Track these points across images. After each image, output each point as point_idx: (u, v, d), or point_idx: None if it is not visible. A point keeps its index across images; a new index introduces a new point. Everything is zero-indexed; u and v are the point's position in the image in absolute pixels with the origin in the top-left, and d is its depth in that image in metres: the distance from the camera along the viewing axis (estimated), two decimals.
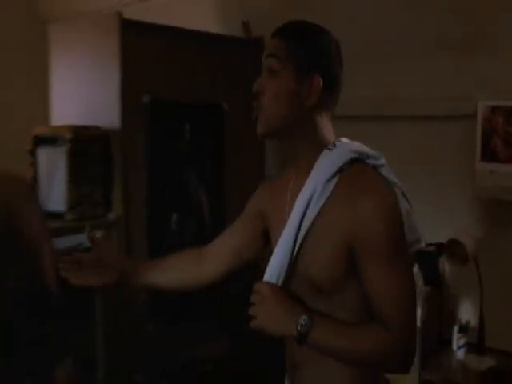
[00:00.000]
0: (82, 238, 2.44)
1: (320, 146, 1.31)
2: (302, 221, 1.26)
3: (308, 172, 1.30)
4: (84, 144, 2.51)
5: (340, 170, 1.26)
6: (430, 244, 2.79)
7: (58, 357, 1.57)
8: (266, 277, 1.31)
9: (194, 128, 2.83)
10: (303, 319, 1.22)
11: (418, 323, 2.54)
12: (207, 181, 2.91)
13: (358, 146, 1.33)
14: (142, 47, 2.64)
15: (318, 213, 1.25)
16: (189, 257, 1.56)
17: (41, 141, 2.57)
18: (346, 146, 1.31)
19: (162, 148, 2.71)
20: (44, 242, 1.54)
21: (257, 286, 1.29)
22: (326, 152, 1.29)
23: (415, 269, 2.60)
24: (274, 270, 1.30)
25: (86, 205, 2.47)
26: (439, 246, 2.74)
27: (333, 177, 1.26)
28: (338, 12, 2.97)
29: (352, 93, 2.88)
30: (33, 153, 2.58)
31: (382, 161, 1.31)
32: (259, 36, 3.11)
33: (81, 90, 2.76)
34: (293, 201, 1.31)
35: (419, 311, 2.57)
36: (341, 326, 1.24)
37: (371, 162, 1.29)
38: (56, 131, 2.55)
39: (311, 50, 1.28)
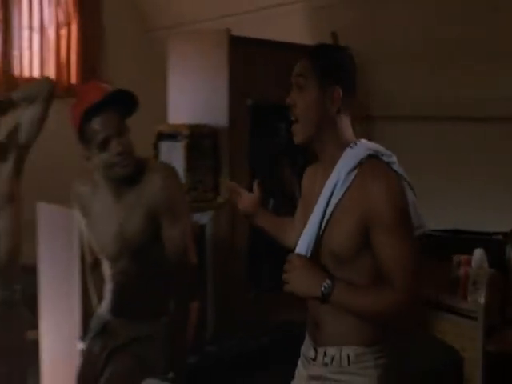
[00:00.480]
0: (196, 217, 2.95)
1: (343, 145, 1.57)
2: (327, 205, 1.55)
3: (333, 166, 1.56)
4: (198, 139, 3.02)
5: (359, 164, 1.53)
6: (498, 233, 3.12)
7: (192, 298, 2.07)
8: (297, 249, 1.57)
9: (288, 127, 3.27)
10: (326, 283, 1.48)
11: (482, 302, 2.88)
12: (299, 172, 3.34)
13: (375, 145, 1.61)
14: (246, 58, 3.10)
15: (340, 198, 1.54)
16: (290, 224, 1.97)
17: (163, 136, 3.10)
18: (365, 145, 1.58)
19: (262, 143, 3.18)
20: (185, 213, 2.03)
21: (289, 257, 1.55)
22: (348, 150, 1.56)
23: (481, 252, 2.94)
24: (303, 245, 1.57)
25: (200, 190, 2.98)
26: (505, 234, 3.06)
27: (353, 169, 1.53)
28: (420, 17, 3.32)
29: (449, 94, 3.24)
30: (156, 146, 3.11)
31: (394, 158, 1.60)
32: (345, 45, 3.51)
33: (194, 94, 3.26)
34: (319, 190, 1.59)
35: (484, 291, 2.90)
36: (357, 288, 1.52)
37: (385, 158, 1.57)
38: (175, 128, 3.06)
39: (331, 68, 1.57)
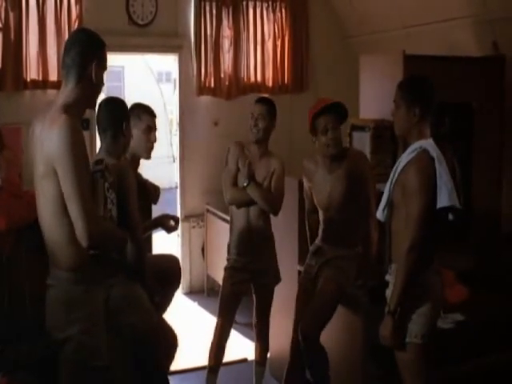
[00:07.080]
0: (378, 186, 4.13)
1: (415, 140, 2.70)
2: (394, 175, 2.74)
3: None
4: (381, 130, 4.18)
5: (414, 152, 2.63)
6: None
7: None
8: None
9: (451, 119, 4.31)
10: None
11: None
12: (460, 154, 4.37)
13: (429, 146, 2.64)
14: (417, 70, 4.10)
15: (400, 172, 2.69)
16: None
17: (355, 127, 4.31)
18: (424, 143, 2.64)
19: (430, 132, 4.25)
20: (372, 180, 3.25)
21: None
22: (416, 143, 2.67)
23: None
24: None
25: (381, 167, 4.15)
26: None
27: (410, 154, 2.65)
28: None
29: None
30: (350, 135, 4.34)
31: (435, 154, 2.60)
32: (503, 54, 4.43)
33: (378, 97, 4.40)
34: None
35: None
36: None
37: (431, 153, 2.61)
38: (365, 122, 4.26)
39: (411, 95, 2.69)
